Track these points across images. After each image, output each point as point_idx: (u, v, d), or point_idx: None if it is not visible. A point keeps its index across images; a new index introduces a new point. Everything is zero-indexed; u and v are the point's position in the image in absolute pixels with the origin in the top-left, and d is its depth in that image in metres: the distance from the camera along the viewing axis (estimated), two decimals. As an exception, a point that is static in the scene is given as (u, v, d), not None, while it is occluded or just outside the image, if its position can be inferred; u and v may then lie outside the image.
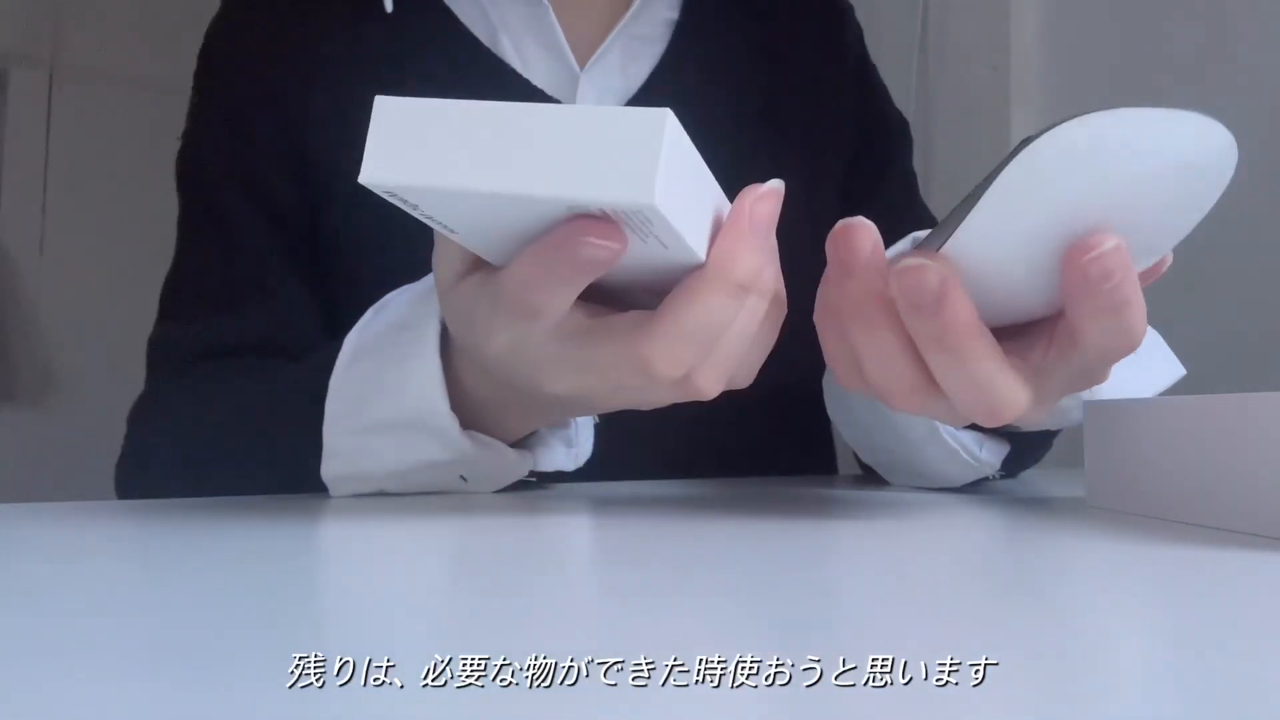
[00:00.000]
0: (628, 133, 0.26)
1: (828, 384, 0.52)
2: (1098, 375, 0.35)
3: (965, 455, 0.46)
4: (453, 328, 0.38)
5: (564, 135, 0.27)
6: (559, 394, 0.35)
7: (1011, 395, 0.32)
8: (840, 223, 0.33)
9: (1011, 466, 0.49)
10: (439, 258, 0.36)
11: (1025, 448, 0.48)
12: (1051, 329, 0.34)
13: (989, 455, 0.47)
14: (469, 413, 0.41)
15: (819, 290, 0.36)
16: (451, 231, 0.32)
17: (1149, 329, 0.48)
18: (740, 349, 0.34)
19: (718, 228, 0.32)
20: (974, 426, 0.45)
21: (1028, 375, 0.33)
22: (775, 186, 0.33)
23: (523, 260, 0.31)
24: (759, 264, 0.32)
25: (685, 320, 0.32)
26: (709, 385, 0.34)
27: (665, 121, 0.26)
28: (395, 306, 0.44)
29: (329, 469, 0.43)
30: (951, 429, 0.45)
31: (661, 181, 0.26)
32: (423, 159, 0.28)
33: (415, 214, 0.30)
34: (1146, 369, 0.47)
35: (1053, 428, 0.47)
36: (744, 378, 0.36)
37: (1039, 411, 0.35)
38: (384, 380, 0.42)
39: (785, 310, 0.35)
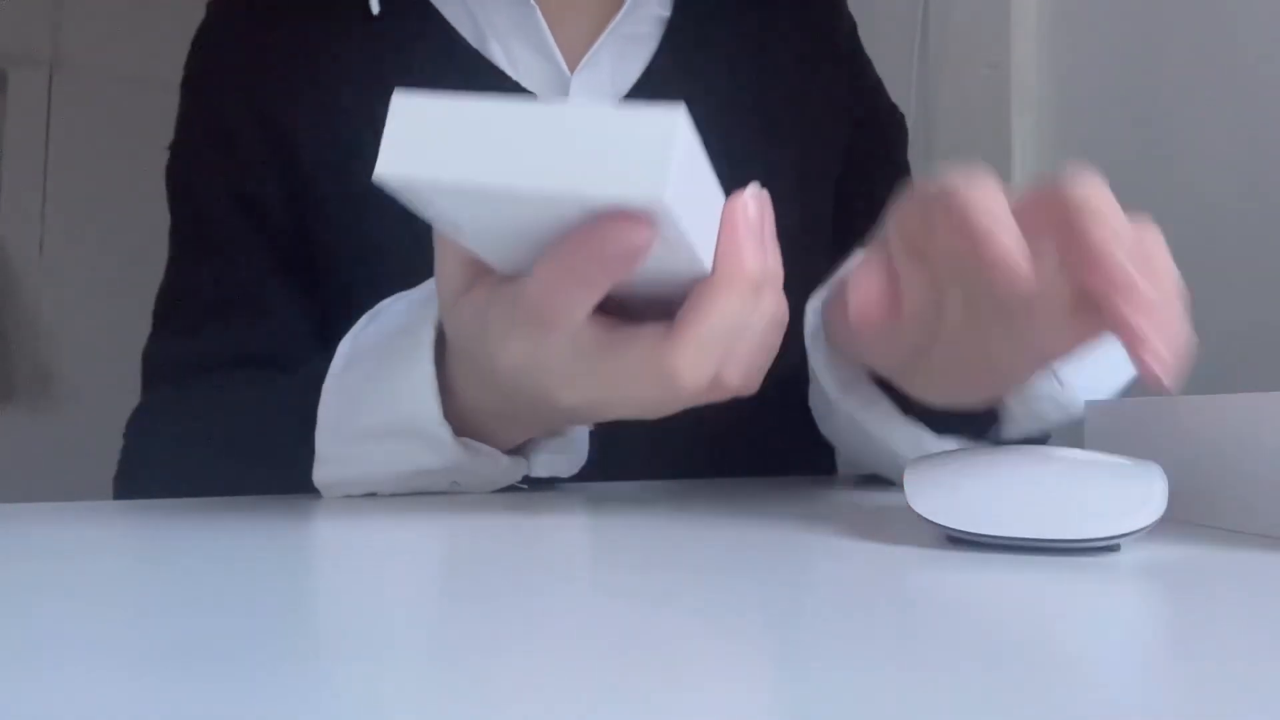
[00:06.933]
0: (641, 131, 0.27)
1: (813, 401, 0.52)
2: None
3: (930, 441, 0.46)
4: (458, 341, 0.38)
5: (577, 133, 0.27)
6: (572, 405, 0.35)
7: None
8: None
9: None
10: (441, 270, 0.36)
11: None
12: None
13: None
14: (463, 420, 0.41)
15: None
16: (460, 232, 0.31)
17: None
18: (755, 345, 0.34)
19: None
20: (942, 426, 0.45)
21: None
22: (758, 190, 0.33)
23: (544, 264, 0.30)
24: (766, 261, 0.32)
25: (707, 327, 0.32)
26: (734, 382, 0.34)
27: (678, 121, 0.27)
28: (390, 314, 0.44)
29: (321, 474, 0.43)
30: (935, 439, 0.45)
31: (672, 181, 0.26)
32: (436, 156, 0.28)
33: (426, 215, 0.30)
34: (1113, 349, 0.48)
35: (1025, 429, 0.46)
36: (754, 379, 0.36)
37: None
38: (377, 386, 0.42)
39: (786, 307, 0.35)
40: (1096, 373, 0.45)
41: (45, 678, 0.15)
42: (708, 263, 0.31)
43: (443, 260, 0.36)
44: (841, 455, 0.53)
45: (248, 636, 0.17)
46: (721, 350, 0.33)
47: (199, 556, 0.26)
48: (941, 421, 0.46)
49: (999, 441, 0.47)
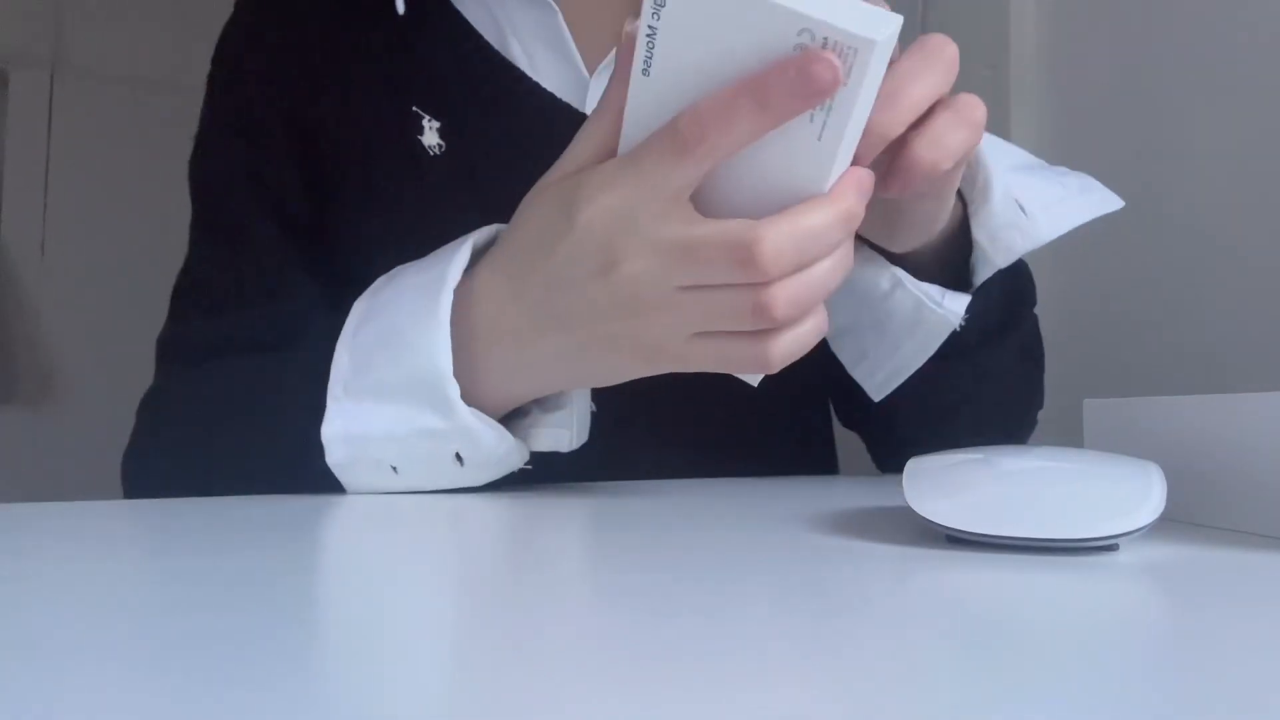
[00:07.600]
0: None
1: None
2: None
3: (930, 304, 0.49)
4: (529, 223, 0.40)
5: None
6: (625, 276, 0.37)
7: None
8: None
9: (979, 321, 0.51)
10: (581, 141, 0.39)
11: (985, 298, 0.51)
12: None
13: (951, 303, 0.49)
14: (470, 378, 0.42)
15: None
16: (649, 68, 0.34)
17: (1078, 174, 0.53)
18: (820, 289, 0.37)
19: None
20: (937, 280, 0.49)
21: None
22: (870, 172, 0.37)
23: (723, 90, 0.33)
24: (862, 211, 0.36)
25: (801, 223, 0.35)
26: (784, 307, 0.36)
27: (899, 18, 0.31)
28: (407, 274, 0.45)
29: (329, 429, 0.43)
30: (914, 280, 0.48)
31: (887, 36, 0.30)
32: None
33: (647, 29, 0.33)
34: (1080, 192, 0.51)
35: (998, 263, 0.49)
36: (805, 335, 0.38)
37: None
38: (391, 341, 0.43)
39: (853, 261, 0.38)
40: (1058, 208, 0.49)
41: (45, 678, 0.15)
42: (833, 177, 0.35)
43: (586, 134, 0.39)
44: (835, 343, 0.54)
45: (249, 637, 0.17)
46: (803, 253, 0.35)
47: (201, 556, 0.26)
48: (920, 271, 0.49)
49: (975, 287, 0.50)
